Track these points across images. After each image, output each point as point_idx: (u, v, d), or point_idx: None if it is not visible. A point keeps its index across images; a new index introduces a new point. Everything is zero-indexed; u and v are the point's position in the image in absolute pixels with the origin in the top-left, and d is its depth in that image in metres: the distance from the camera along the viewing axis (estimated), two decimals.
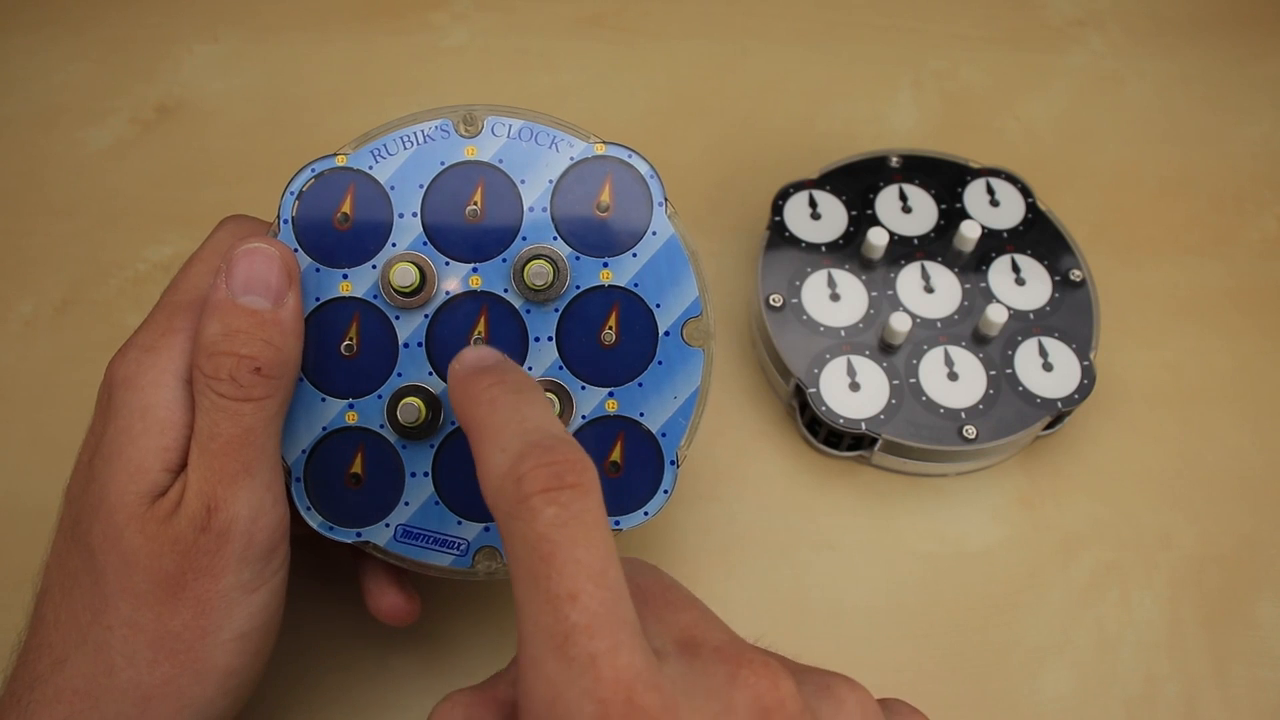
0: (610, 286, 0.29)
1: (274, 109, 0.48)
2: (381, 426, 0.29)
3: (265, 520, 0.26)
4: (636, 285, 0.29)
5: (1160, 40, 0.53)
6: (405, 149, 0.29)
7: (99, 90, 0.49)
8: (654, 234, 0.29)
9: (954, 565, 0.38)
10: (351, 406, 0.29)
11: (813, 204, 0.42)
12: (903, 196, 0.42)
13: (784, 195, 0.42)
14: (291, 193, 0.29)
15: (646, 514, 0.29)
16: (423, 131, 0.29)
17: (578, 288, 0.29)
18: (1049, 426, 0.39)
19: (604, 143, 0.29)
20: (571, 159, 0.29)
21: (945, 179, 0.43)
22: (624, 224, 0.29)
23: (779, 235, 0.41)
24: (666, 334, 0.29)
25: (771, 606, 0.37)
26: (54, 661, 0.26)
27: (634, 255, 0.29)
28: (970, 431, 0.37)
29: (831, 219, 0.42)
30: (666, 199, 0.29)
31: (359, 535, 0.29)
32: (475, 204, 0.29)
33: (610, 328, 0.29)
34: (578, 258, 0.29)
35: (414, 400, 0.28)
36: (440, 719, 0.22)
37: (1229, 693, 0.35)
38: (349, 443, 0.29)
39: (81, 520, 0.26)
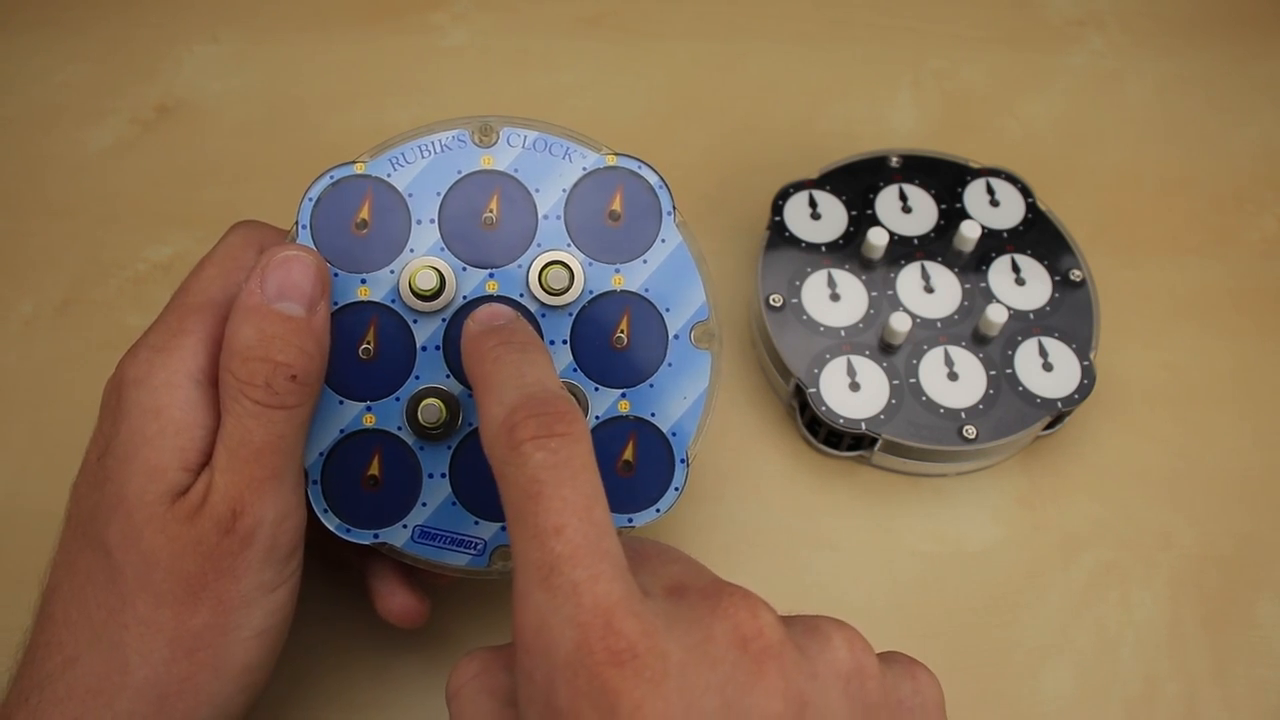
0: (623, 292, 0.30)
1: (274, 109, 0.48)
2: (399, 429, 0.29)
3: (289, 524, 0.27)
4: (647, 290, 0.30)
5: (1160, 40, 0.53)
6: (423, 158, 0.30)
7: (99, 90, 0.49)
8: (663, 241, 0.30)
9: (954, 565, 0.38)
10: (369, 409, 0.29)
11: (813, 204, 0.42)
12: (903, 196, 0.42)
13: (784, 195, 0.42)
14: (310, 199, 0.29)
15: (659, 510, 0.29)
16: (440, 141, 0.30)
17: (591, 293, 0.30)
18: (1049, 426, 0.39)
19: (615, 154, 0.30)
20: (584, 169, 0.30)
21: (945, 179, 0.43)
22: (634, 232, 0.30)
23: (779, 235, 0.41)
24: (676, 337, 0.30)
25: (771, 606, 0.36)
26: (65, 660, 0.26)
27: (644, 262, 0.30)
28: (970, 431, 0.37)
29: (831, 219, 0.42)
30: (675, 208, 0.30)
31: (376, 536, 0.29)
32: (491, 211, 0.30)
33: (622, 331, 0.30)
34: (590, 264, 0.30)
35: (435, 401, 0.29)
36: (459, 669, 0.23)
37: (1229, 693, 0.35)
38: (366, 445, 0.29)
39: (95, 519, 0.26)
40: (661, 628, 0.20)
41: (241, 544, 0.26)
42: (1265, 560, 0.38)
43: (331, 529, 0.28)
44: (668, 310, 0.30)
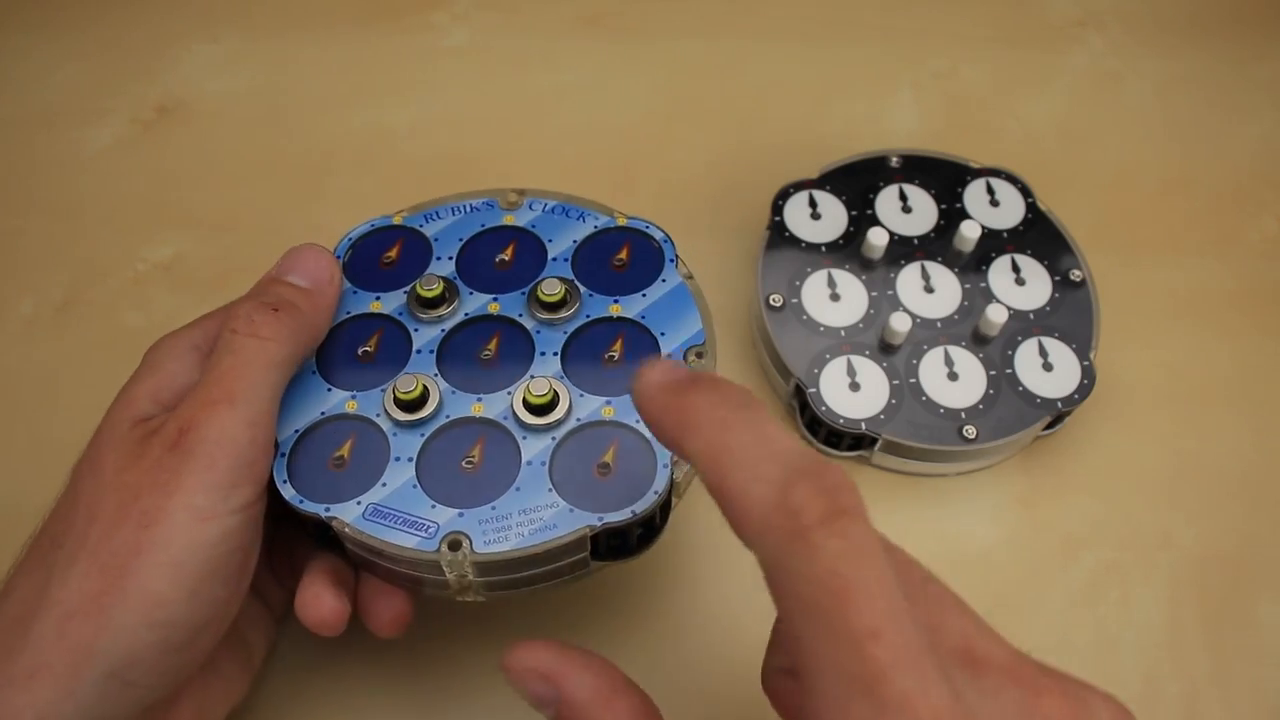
0: (619, 318, 0.31)
1: (274, 109, 0.48)
2: (378, 415, 0.29)
3: (232, 448, 0.26)
4: (643, 317, 0.31)
5: (1160, 40, 0.53)
6: (454, 216, 0.34)
7: (99, 90, 0.49)
8: (663, 281, 0.32)
9: (954, 565, 0.37)
10: (353, 397, 0.30)
11: (813, 204, 0.42)
12: (903, 196, 0.42)
13: (784, 195, 0.42)
14: (349, 239, 0.33)
15: (634, 513, 0.28)
16: (471, 204, 0.34)
17: (587, 316, 0.31)
18: (1049, 426, 0.39)
19: (626, 216, 0.34)
20: (596, 227, 0.33)
21: (945, 179, 0.43)
22: (637, 274, 0.32)
23: (779, 235, 0.41)
24: (669, 355, 0.31)
25: (771, 607, 0.36)
26: (3, 593, 0.26)
27: (643, 295, 0.32)
28: (970, 431, 0.37)
29: (831, 219, 0.42)
30: (678, 256, 0.33)
31: (328, 510, 0.28)
32: (505, 255, 0.33)
33: (614, 351, 0.31)
34: (590, 295, 0.32)
35: (412, 376, 0.29)
36: None
37: (1229, 693, 0.35)
38: (343, 429, 0.29)
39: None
40: None
41: (180, 460, 0.25)
42: (1265, 560, 0.38)
43: (286, 498, 0.28)
44: (663, 334, 0.31)
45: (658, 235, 0.33)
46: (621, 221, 0.33)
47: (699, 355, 0.30)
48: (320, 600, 0.28)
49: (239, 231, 0.44)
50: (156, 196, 0.46)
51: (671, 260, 0.32)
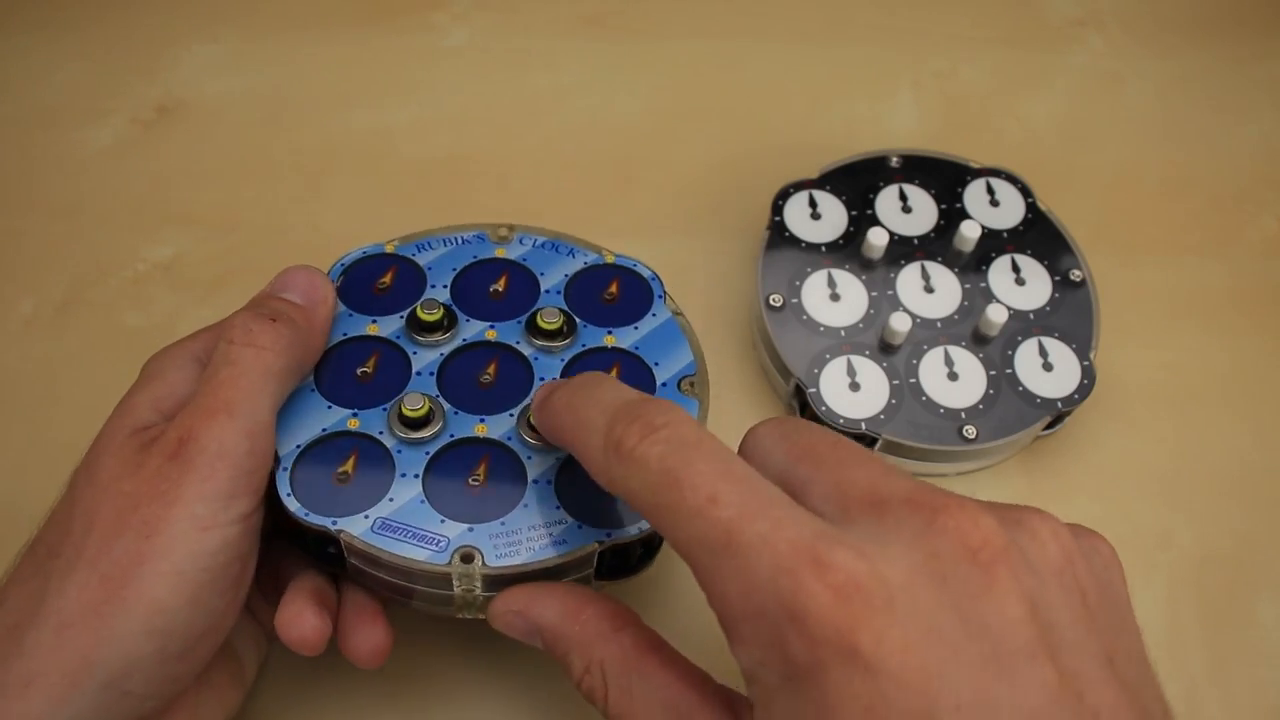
0: (613, 348, 0.32)
1: (274, 109, 0.48)
2: (380, 433, 0.29)
3: (232, 459, 0.26)
4: (637, 348, 0.32)
5: (1160, 40, 0.53)
6: (445, 247, 0.34)
7: (99, 90, 0.49)
8: (654, 315, 0.33)
9: None
10: (355, 415, 0.30)
11: (813, 204, 0.42)
12: (903, 196, 0.42)
13: (784, 195, 0.42)
14: (342, 264, 0.34)
15: (641, 529, 0.29)
16: (462, 236, 0.35)
17: (583, 345, 0.32)
18: (1049, 426, 0.39)
19: (614, 254, 0.35)
20: (585, 263, 0.34)
21: (945, 179, 0.43)
22: (628, 308, 0.33)
23: (779, 235, 0.41)
24: (663, 385, 0.31)
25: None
26: None
27: (635, 328, 0.33)
28: (970, 431, 0.37)
29: (831, 219, 0.42)
30: (666, 293, 0.34)
31: (334, 523, 0.28)
32: (499, 286, 0.34)
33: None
34: (585, 326, 0.33)
35: (418, 394, 0.30)
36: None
37: (1228, 692, 0.35)
38: (345, 445, 0.29)
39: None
40: (874, 550, 0.19)
41: (181, 470, 0.25)
42: (1265, 560, 0.38)
43: (291, 510, 0.28)
44: (656, 364, 0.32)
45: (645, 273, 0.34)
46: (610, 259, 0.34)
47: (691, 384, 0.32)
48: (301, 618, 0.28)
49: (239, 231, 0.44)
50: (156, 196, 0.46)
51: (660, 296, 0.34)
